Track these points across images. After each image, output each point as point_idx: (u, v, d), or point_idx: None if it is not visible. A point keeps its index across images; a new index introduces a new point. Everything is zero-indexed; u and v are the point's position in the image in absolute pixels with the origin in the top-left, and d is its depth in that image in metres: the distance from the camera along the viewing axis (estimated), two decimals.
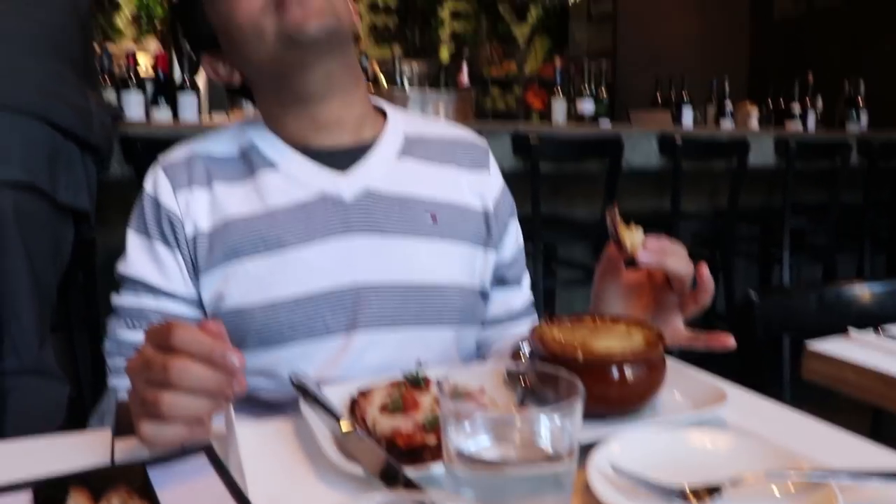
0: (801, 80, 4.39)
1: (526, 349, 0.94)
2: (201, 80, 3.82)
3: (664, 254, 0.91)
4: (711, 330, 0.95)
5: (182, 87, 2.90)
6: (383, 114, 1.17)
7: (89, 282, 2.58)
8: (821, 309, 1.64)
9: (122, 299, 1.07)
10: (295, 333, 1.01)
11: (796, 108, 4.30)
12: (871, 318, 1.65)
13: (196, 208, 1.05)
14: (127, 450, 0.78)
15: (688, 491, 0.67)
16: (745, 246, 4.30)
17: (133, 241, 1.08)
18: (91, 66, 2.29)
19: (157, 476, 0.71)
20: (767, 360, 1.56)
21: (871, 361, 1.15)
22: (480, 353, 1.21)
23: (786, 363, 1.59)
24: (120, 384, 1.05)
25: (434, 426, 0.73)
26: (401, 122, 1.16)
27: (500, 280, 1.20)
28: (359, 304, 1.03)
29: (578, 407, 0.61)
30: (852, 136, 4.08)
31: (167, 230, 1.05)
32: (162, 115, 2.86)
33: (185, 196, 1.06)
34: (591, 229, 3.48)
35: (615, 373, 0.80)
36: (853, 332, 1.27)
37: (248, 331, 1.01)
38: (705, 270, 0.92)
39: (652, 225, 3.58)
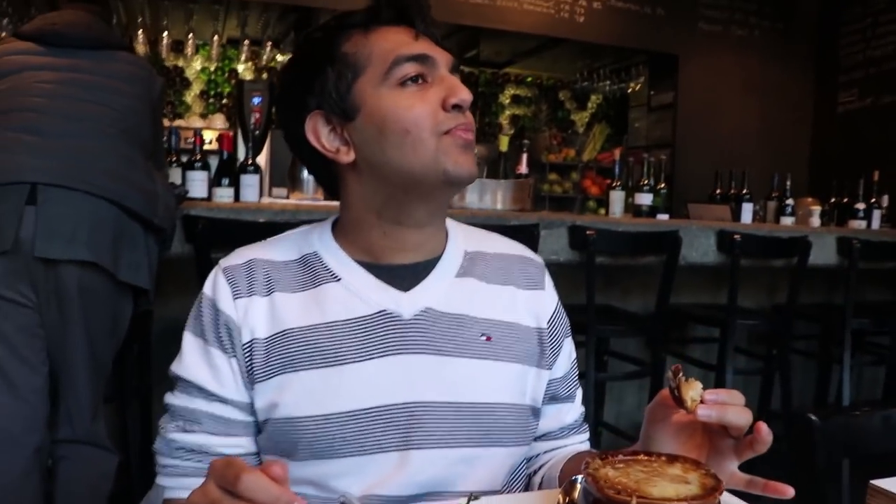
0: (867, 176, 4.34)
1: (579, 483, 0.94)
2: (263, 159, 3.95)
3: (724, 408, 0.90)
4: (769, 479, 0.93)
5: (245, 167, 3.00)
6: (444, 229, 1.19)
7: (144, 353, 2.65)
8: (886, 430, 1.59)
9: (176, 399, 1.09)
10: (346, 447, 1.02)
11: (860, 206, 4.24)
12: None
13: (254, 315, 1.07)
14: None
15: None
16: (804, 344, 4.20)
17: (189, 343, 1.10)
18: (159, 147, 2.40)
19: None
20: (828, 485, 1.51)
21: None
22: (530, 465, 1.21)
23: (845, 490, 1.54)
24: (168, 483, 1.07)
25: None
26: (461, 239, 1.19)
27: (553, 397, 1.21)
28: (412, 423, 1.04)
29: None
30: None
31: (224, 336, 1.07)
32: (224, 193, 2.95)
33: (244, 303, 1.07)
34: (644, 322, 3.45)
35: None
36: None
37: (299, 441, 1.03)
38: (764, 427, 0.91)
39: (707, 320, 3.56)
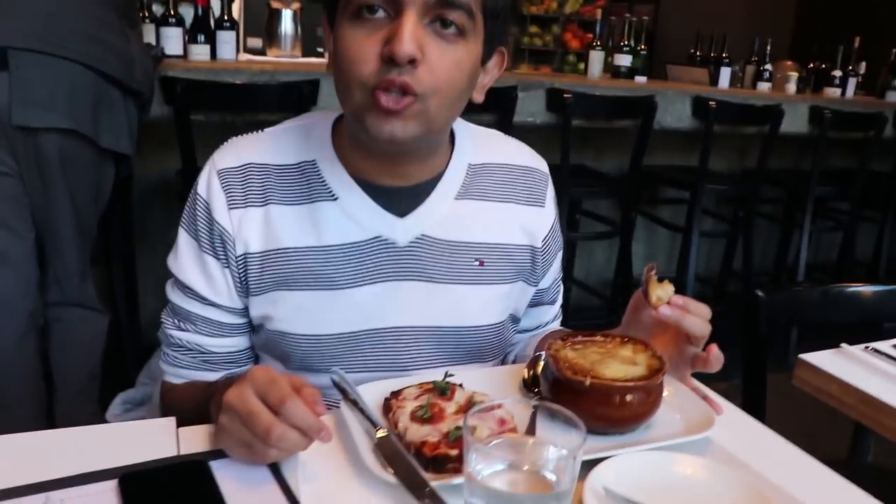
0: (847, 44, 4.34)
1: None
2: (236, 9, 3.83)
3: (684, 314, 1.00)
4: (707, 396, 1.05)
5: (221, 23, 2.94)
6: (451, 138, 1.14)
7: (126, 215, 2.70)
8: (825, 304, 1.75)
9: (173, 294, 1.12)
10: (336, 365, 1.08)
11: (837, 73, 4.27)
12: (875, 315, 1.76)
13: (248, 227, 1.07)
14: (190, 438, 0.92)
15: None
16: (770, 208, 4.35)
17: (184, 242, 1.10)
18: (131, 3, 2.33)
19: (218, 469, 0.84)
20: (773, 349, 1.66)
21: (854, 379, 1.26)
22: (505, 352, 1.29)
23: (792, 350, 1.69)
24: (167, 370, 1.15)
25: (456, 439, 0.86)
26: (468, 148, 1.15)
27: (537, 303, 1.28)
28: (399, 345, 1.12)
29: (581, 443, 0.74)
30: (890, 106, 4.06)
31: (218, 245, 1.07)
32: (200, 51, 2.91)
33: (238, 214, 1.07)
34: (617, 184, 3.55)
35: (618, 398, 0.93)
36: (845, 347, 1.37)
37: (291, 353, 1.10)
38: (714, 349, 1.01)
39: (678, 182, 3.66)
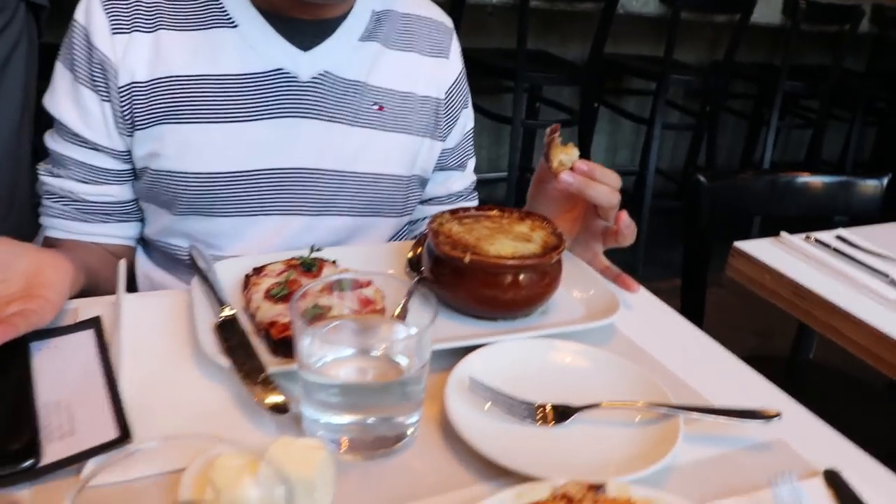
0: None
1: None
2: None
3: (587, 180, 0.88)
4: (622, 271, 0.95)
5: None
6: None
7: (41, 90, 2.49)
8: (772, 194, 1.64)
9: (50, 139, 1.02)
10: (228, 208, 1.00)
11: None
12: (822, 209, 1.66)
13: (135, 56, 0.96)
14: None
15: (539, 410, 0.69)
16: (739, 104, 4.21)
17: (59, 75, 1.00)
18: None
19: (38, 351, 0.73)
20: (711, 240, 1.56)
21: (789, 269, 1.16)
22: (413, 229, 1.21)
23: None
24: (44, 222, 1.05)
25: (313, 318, 0.74)
26: None
27: (442, 166, 1.19)
28: (296, 188, 1.01)
29: (431, 323, 0.62)
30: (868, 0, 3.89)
31: (98, 77, 0.96)
32: None
33: (123, 40, 0.95)
34: (580, 71, 3.38)
35: (502, 278, 0.81)
36: (784, 235, 1.26)
37: (179, 195, 0.99)
38: (624, 216, 0.90)
39: (644, 72, 3.51)
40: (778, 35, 3.80)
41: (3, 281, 0.71)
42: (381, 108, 1.06)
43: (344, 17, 1.04)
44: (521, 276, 0.81)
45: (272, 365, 0.70)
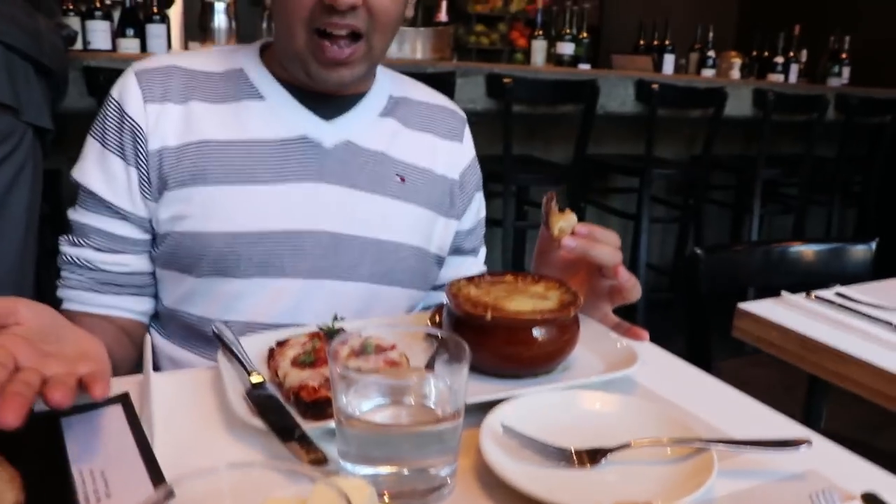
0: (788, 32, 4.35)
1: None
2: (174, 11, 3.73)
3: (590, 243, 0.92)
4: (633, 324, 0.97)
5: (151, 17, 2.83)
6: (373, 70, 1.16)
7: (56, 215, 2.54)
8: (766, 265, 1.68)
9: (73, 213, 1.07)
10: (250, 269, 1.02)
11: (779, 59, 4.27)
12: (815, 276, 1.69)
13: (166, 124, 1.02)
14: None
15: (573, 454, 0.70)
16: (720, 194, 4.33)
17: (89, 146, 1.06)
18: None
19: (69, 426, 0.73)
20: (715, 315, 1.59)
21: (794, 324, 1.18)
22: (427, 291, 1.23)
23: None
24: (61, 294, 1.07)
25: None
26: (388, 82, 1.17)
27: (457, 249, 1.23)
28: (318, 252, 1.04)
29: (464, 370, 0.64)
30: (832, 90, 4.08)
31: (127, 144, 1.02)
32: (129, 45, 2.79)
33: (155, 109, 1.02)
34: (566, 171, 3.49)
35: (524, 334, 0.83)
36: (785, 295, 1.29)
37: (203, 256, 1.02)
38: (622, 271, 0.93)
39: (627, 170, 3.62)
40: (751, 127, 3.95)
41: (55, 342, 0.70)
42: (402, 180, 1.11)
43: (363, 95, 1.12)
44: (542, 331, 0.83)
45: (304, 426, 0.71)
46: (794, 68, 4.34)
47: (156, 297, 1.10)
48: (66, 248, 1.06)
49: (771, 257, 1.66)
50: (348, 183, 1.07)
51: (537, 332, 0.83)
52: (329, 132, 1.07)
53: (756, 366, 1.31)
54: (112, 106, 1.04)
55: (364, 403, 0.65)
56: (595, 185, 4.02)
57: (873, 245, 1.67)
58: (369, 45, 1.00)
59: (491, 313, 0.82)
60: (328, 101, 1.08)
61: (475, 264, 1.28)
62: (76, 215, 1.06)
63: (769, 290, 1.70)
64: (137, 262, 1.06)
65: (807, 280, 1.69)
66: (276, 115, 1.05)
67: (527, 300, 0.87)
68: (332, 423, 0.70)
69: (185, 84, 1.04)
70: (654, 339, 0.97)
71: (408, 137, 1.14)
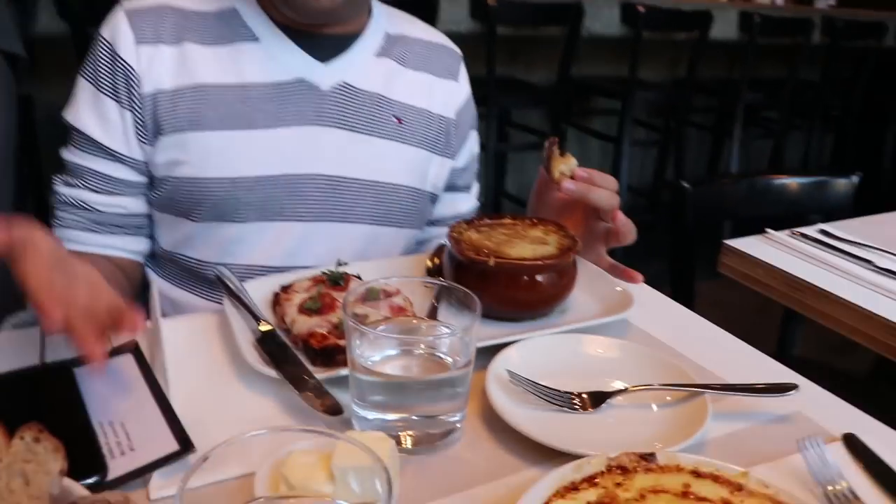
0: None
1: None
2: None
3: (589, 187, 0.93)
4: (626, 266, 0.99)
5: None
6: (368, 6, 1.14)
7: (30, 141, 2.46)
8: (751, 196, 1.71)
9: (67, 152, 1.05)
10: (249, 213, 1.02)
11: None
12: (798, 208, 1.73)
13: (160, 66, 1.00)
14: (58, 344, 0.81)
15: (576, 398, 0.73)
16: (701, 117, 4.33)
17: (81, 88, 1.03)
18: None
19: (83, 378, 0.75)
20: (700, 244, 1.62)
21: (779, 262, 1.21)
22: (420, 248, 1.24)
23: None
24: (61, 234, 1.05)
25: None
26: (384, 19, 1.15)
27: (451, 186, 1.23)
28: (317, 195, 1.05)
29: (475, 321, 0.66)
30: (818, 12, 4.04)
31: (120, 86, 1.00)
32: None
33: (148, 51, 1.00)
34: (547, 94, 3.47)
35: (525, 278, 0.85)
36: (770, 232, 1.32)
37: (202, 201, 1.01)
38: (619, 215, 0.95)
39: (609, 92, 3.59)
40: (735, 50, 3.93)
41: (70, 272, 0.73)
42: (399, 121, 1.11)
43: (358, 35, 1.10)
44: (543, 276, 0.85)
45: (315, 374, 0.73)
46: None
47: (152, 237, 1.10)
48: (62, 189, 1.05)
49: (755, 189, 1.69)
50: (346, 125, 1.06)
51: (539, 277, 0.85)
52: (326, 74, 1.06)
53: (731, 288, 1.36)
54: (103, 47, 1.01)
55: (377, 353, 0.67)
56: (575, 107, 4.00)
57: (855, 179, 1.70)
58: None
59: (494, 259, 0.84)
60: (324, 40, 1.06)
61: (468, 200, 1.29)
62: (71, 156, 1.04)
63: (753, 221, 1.75)
64: (134, 204, 1.06)
65: (790, 211, 1.72)
66: (272, 57, 1.04)
67: (527, 245, 0.88)
68: (343, 371, 0.72)
69: (178, 24, 1.02)
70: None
71: (404, 77, 1.13)
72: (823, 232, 1.33)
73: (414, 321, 0.77)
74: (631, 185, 3.86)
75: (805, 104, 4.16)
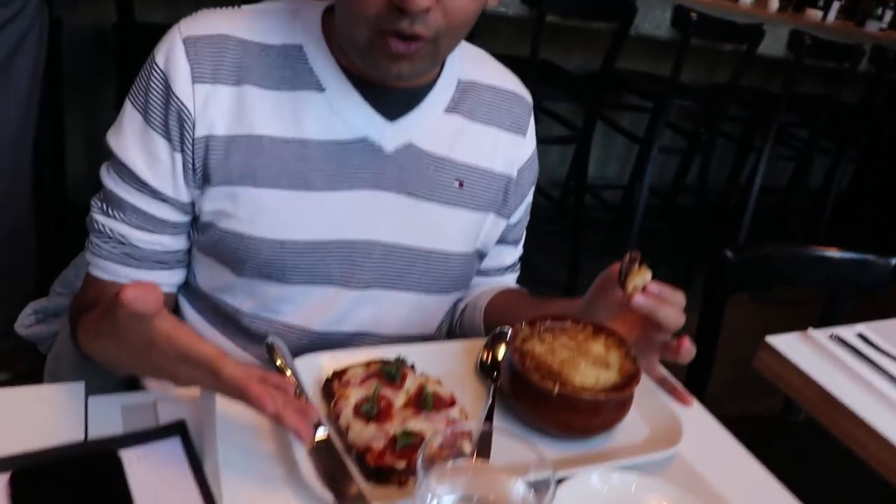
0: None
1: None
2: None
3: (659, 304, 0.91)
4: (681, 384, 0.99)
5: None
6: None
7: (53, 66, 2.30)
8: (797, 267, 1.70)
9: (108, 177, 0.97)
10: (296, 276, 0.99)
11: None
12: (832, 277, 1.72)
13: (216, 109, 0.92)
14: (101, 411, 0.79)
15: None
16: (729, 126, 4.27)
17: (129, 117, 0.95)
18: None
19: (129, 460, 0.73)
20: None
21: (816, 372, 1.20)
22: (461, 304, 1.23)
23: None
24: (90, 259, 1.01)
25: (404, 447, 0.76)
26: (457, 63, 1.07)
27: (501, 240, 1.19)
28: (367, 261, 1.01)
29: (551, 492, 0.64)
30: (869, 37, 3.97)
31: (173, 125, 0.92)
32: None
33: (204, 91, 0.92)
34: (581, 85, 3.39)
35: (586, 408, 0.84)
36: (811, 332, 1.31)
37: (247, 259, 0.97)
38: (686, 342, 0.93)
39: (645, 92, 3.51)
40: (777, 66, 3.86)
41: None
42: (461, 185, 1.06)
43: (431, 85, 1.03)
44: (603, 408, 0.84)
45: (368, 491, 0.72)
46: (836, 5, 4.21)
47: (188, 266, 1.06)
48: (99, 217, 0.97)
49: (800, 259, 1.68)
50: (405, 190, 1.02)
51: (598, 408, 0.84)
52: (391, 134, 0.99)
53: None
54: (158, 77, 0.93)
55: (445, 499, 0.66)
56: (607, 99, 3.92)
57: (893, 261, 1.69)
58: (436, 45, 0.89)
59: (558, 388, 0.82)
60: (393, 95, 0.99)
61: (514, 252, 1.26)
62: (112, 184, 0.96)
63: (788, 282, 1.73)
64: (175, 242, 1.00)
65: (828, 280, 1.72)
66: (337, 112, 0.97)
67: (590, 369, 0.87)
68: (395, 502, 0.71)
69: (239, 61, 0.94)
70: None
71: (470, 133, 1.07)
72: (862, 337, 1.32)
73: (479, 465, 0.74)
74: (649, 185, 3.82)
75: (838, 127, 4.11)
